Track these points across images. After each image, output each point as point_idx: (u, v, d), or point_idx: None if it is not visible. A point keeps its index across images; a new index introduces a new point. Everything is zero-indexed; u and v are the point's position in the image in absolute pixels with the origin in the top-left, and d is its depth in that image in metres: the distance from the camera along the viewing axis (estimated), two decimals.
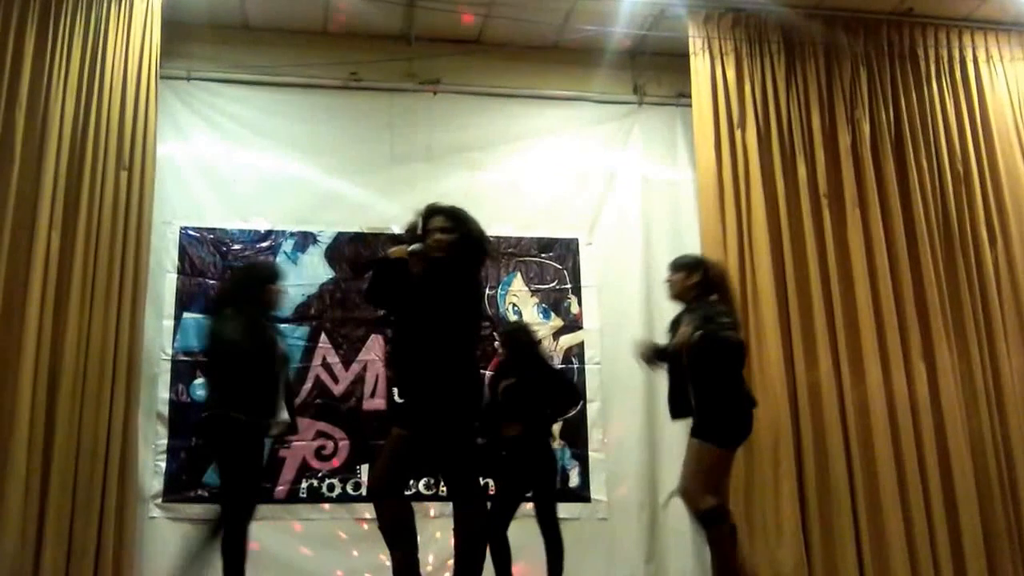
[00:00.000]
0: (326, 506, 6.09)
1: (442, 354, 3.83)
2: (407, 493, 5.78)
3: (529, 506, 5.41)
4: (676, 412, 4.78)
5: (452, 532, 5.10)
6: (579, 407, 6.23)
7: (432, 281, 3.87)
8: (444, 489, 6.03)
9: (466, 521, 3.85)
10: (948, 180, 6.67)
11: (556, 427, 6.20)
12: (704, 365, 4.63)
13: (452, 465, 3.91)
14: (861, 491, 5.92)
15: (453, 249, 3.93)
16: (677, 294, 4.92)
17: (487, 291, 6.51)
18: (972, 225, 6.61)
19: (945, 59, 6.98)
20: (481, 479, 4.55)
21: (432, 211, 4.04)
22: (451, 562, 5.22)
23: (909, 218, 6.50)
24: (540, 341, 5.85)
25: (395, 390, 4.45)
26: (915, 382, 6.17)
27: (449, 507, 5.90)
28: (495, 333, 6.24)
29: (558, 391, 5.56)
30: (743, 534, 5.81)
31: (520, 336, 5.59)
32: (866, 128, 6.64)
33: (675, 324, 4.90)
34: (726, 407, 4.64)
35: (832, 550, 5.83)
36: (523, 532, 5.38)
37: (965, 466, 6.05)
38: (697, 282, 4.85)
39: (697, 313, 4.73)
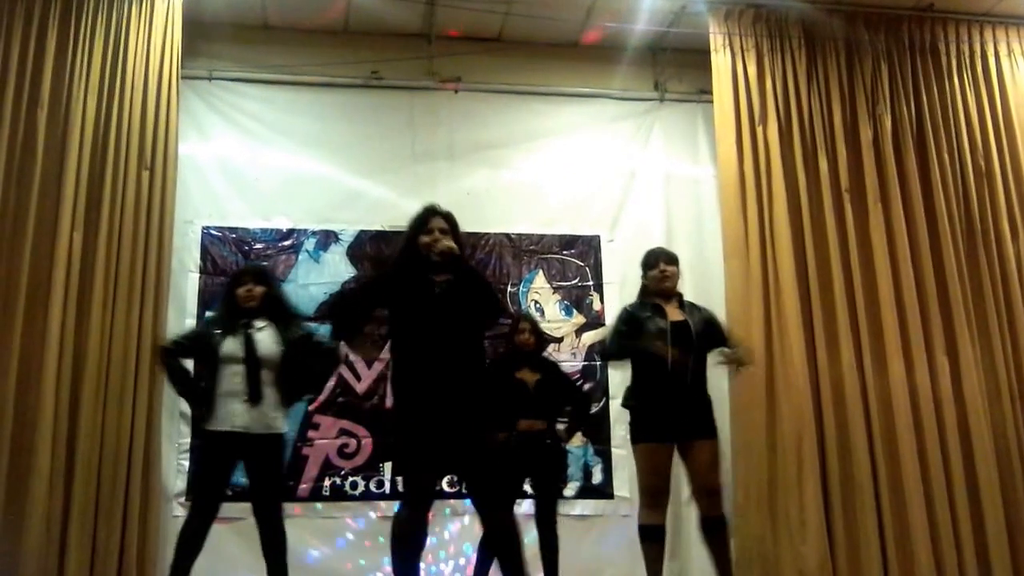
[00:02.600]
0: (349, 504, 6.10)
1: (473, 356, 3.87)
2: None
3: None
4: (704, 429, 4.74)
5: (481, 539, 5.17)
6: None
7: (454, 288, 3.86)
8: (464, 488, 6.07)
9: (503, 526, 3.83)
10: (970, 175, 6.64)
11: None
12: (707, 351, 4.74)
13: (480, 469, 3.87)
14: (885, 487, 5.89)
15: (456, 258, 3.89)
16: (674, 286, 4.89)
17: (509, 288, 6.58)
18: (994, 220, 6.57)
19: (966, 54, 6.95)
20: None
21: (433, 211, 4.00)
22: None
23: (931, 213, 6.47)
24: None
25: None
26: (938, 377, 6.14)
27: (462, 505, 6.03)
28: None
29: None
30: (767, 531, 5.84)
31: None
32: (888, 123, 6.61)
33: (647, 319, 4.74)
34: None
35: (856, 546, 5.81)
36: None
37: (989, 461, 6.01)
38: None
39: (688, 302, 4.86)
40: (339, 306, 4.49)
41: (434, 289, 3.85)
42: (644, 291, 4.91)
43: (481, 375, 3.94)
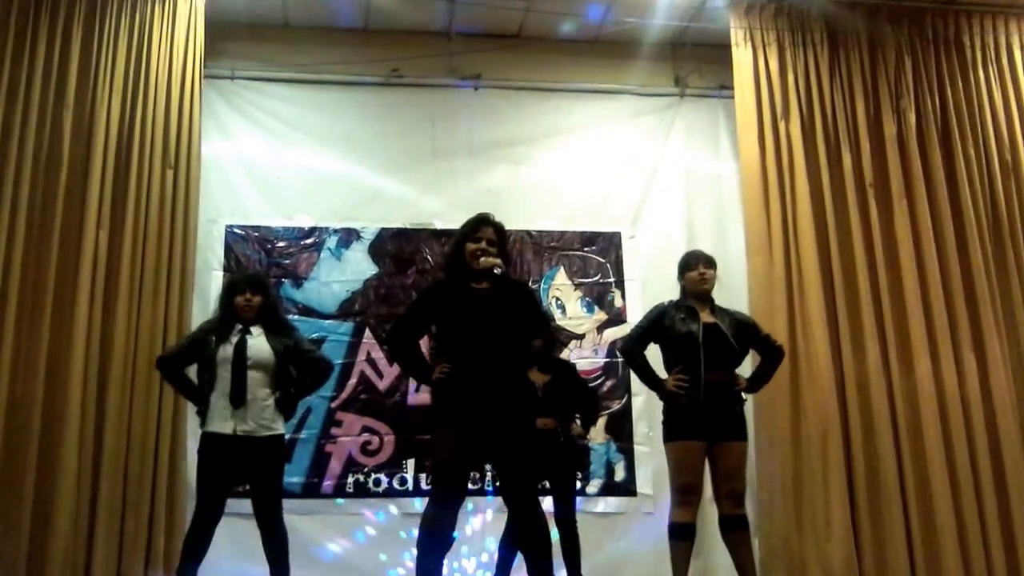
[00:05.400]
0: (373, 500, 6.10)
1: (515, 359, 3.96)
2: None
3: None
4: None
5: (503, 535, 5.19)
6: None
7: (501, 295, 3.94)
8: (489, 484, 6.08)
9: (534, 523, 3.83)
10: (996, 169, 6.59)
11: (601, 421, 6.21)
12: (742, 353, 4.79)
13: (515, 465, 3.87)
14: (911, 484, 5.85)
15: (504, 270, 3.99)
16: (710, 290, 4.86)
17: (531, 285, 6.52)
18: (1021, 214, 6.53)
19: (991, 47, 6.89)
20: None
21: (484, 220, 4.08)
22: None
23: (957, 208, 6.42)
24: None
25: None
26: (965, 373, 6.09)
27: (486, 501, 6.02)
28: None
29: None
30: (792, 529, 5.81)
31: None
32: (912, 118, 6.57)
33: (680, 320, 4.72)
34: None
35: (882, 544, 5.77)
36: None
37: (1017, 458, 5.96)
38: None
39: (718, 306, 4.82)
40: (393, 334, 4.43)
41: (477, 299, 3.90)
42: (683, 291, 4.90)
43: (520, 379, 4.01)
